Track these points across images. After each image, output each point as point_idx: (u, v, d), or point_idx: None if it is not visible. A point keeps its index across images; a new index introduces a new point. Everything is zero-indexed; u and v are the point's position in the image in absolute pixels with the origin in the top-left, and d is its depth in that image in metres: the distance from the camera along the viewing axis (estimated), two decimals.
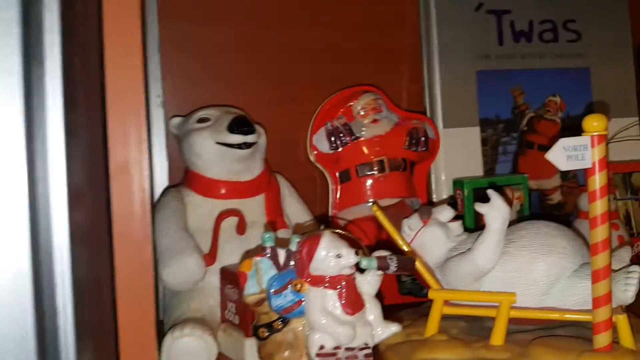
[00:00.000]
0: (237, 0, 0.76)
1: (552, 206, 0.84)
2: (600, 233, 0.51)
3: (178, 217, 0.63)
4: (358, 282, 0.48)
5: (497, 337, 0.55)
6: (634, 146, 0.87)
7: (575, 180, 0.84)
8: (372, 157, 0.72)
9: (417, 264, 0.60)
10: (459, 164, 0.80)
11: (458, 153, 0.80)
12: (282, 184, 0.72)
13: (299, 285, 0.46)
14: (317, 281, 0.46)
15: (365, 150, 0.72)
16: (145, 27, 0.71)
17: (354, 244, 0.47)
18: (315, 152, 0.74)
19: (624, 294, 0.53)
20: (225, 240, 0.63)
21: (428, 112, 0.80)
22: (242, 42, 0.77)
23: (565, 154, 0.51)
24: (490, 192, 0.57)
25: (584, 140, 0.51)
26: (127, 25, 0.40)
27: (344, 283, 0.46)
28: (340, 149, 0.72)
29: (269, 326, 0.47)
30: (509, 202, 0.74)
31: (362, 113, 0.72)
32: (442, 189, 0.79)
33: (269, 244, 0.47)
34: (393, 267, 0.47)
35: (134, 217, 0.42)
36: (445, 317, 0.60)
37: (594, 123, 0.51)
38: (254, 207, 0.66)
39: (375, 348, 0.53)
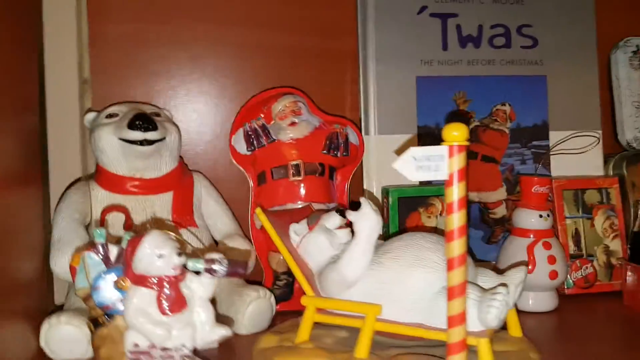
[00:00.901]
0: None
1: (495, 220, 0.80)
2: (456, 247, 0.48)
3: (74, 209, 0.64)
4: (192, 285, 0.48)
5: (361, 349, 0.53)
6: (583, 161, 0.82)
7: None
8: (288, 160, 0.71)
9: (296, 272, 0.59)
10: (394, 171, 0.77)
11: (393, 161, 0.77)
12: (199, 183, 0.72)
13: (121, 283, 0.46)
14: (139, 280, 0.46)
15: (281, 153, 0.71)
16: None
17: (182, 246, 0.47)
18: (234, 153, 0.74)
19: (485, 317, 0.50)
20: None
21: (363, 117, 0.78)
22: (178, 40, 0.77)
23: (416, 164, 0.49)
24: (362, 199, 0.55)
25: (438, 150, 0.48)
26: None
27: (165, 284, 0.46)
28: (256, 151, 0.72)
29: (96, 321, 0.47)
30: (381, 211, 0.71)
31: (280, 115, 0.71)
32: (374, 196, 0.77)
33: (98, 240, 0.47)
34: (221, 270, 0.46)
35: None
36: (326, 326, 0.59)
37: (453, 132, 0.48)
38: (160, 204, 0.67)
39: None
